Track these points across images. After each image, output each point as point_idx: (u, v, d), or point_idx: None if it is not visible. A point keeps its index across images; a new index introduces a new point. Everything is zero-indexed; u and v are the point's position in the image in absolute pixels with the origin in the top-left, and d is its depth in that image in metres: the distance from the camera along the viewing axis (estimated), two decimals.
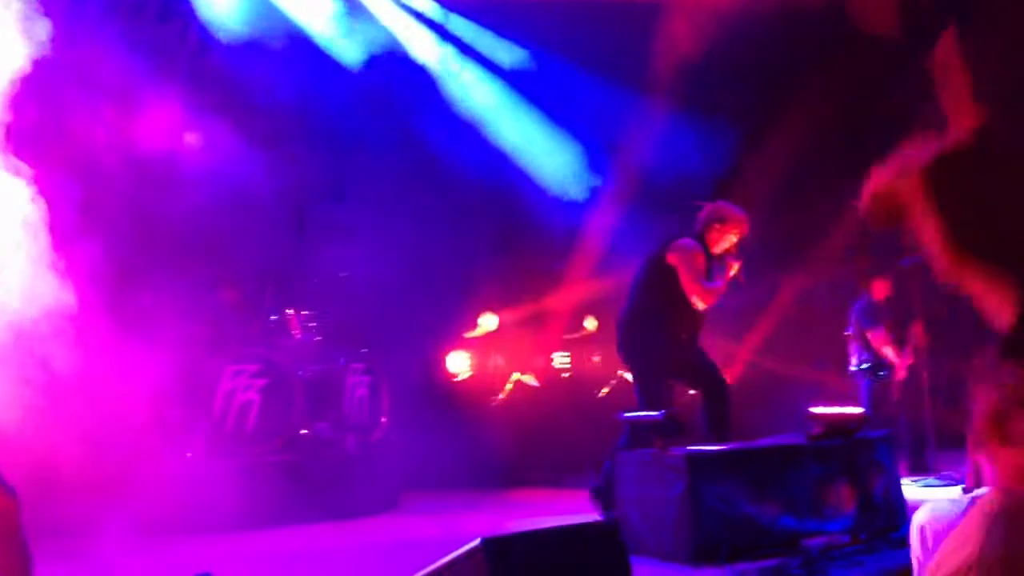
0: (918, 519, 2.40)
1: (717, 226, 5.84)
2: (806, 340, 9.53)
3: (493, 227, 9.14)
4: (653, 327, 5.78)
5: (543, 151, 9.35)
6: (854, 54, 7.48)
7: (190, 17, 7.66)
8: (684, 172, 8.74)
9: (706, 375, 5.87)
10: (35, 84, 5.69)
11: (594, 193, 9.21)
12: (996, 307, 1.44)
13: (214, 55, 7.66)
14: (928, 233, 1.37)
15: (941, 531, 2.22)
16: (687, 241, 5.81)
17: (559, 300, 9.48)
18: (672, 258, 5.75)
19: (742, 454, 5.13)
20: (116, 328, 6.66)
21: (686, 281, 5.71)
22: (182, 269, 7.49)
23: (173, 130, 7.41)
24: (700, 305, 5.76)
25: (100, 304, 6.57)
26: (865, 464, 5.23)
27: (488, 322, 9.47)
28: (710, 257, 5.86)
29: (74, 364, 6.37)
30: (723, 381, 5.92)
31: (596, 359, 9.91)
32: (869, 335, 7.77)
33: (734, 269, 5.87)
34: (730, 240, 5.87)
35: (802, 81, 8.20)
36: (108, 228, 6.62)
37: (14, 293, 5.55)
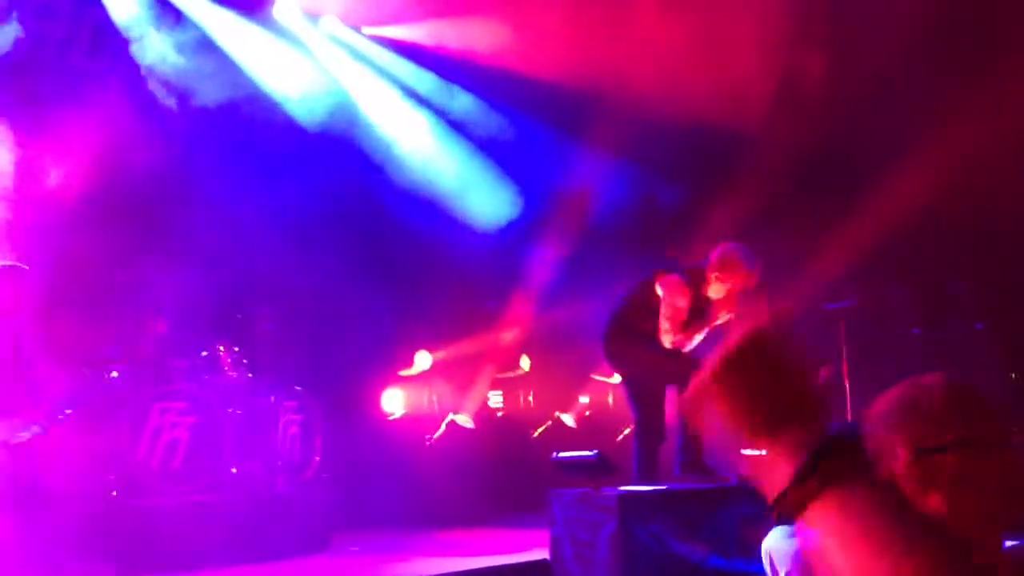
0: (766, 545, 2.54)
1: (718, 274, 5.64)
2: None
3: (429, 265, 9.15)
4: (628, 333, 5.79)
5: (482, 190, 9.41)
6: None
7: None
8: (627, 211, 8.89)
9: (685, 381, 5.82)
10: None
11: (531, 232, 9.27)
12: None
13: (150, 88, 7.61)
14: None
15: (783, 558, 2.42)
16: (674, 278, 5.68)
17: (494, 339, 9.51)
18: (658, 287, 5.70)
19: (673, 494, 5.19)
20: (42, 358, 6.52)
21: (661, 316, 5.65)
22: (110, 301, 7.37)
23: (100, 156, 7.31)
24: (665, 342, 5.68)
25: (26, 333, 6.44)
26: None
27: (423, 360, 9.44)
28: (701, 297, 5.70)
29: None
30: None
31: (530, 399, 9.94)
32: None
33: (722, 318, 5.66)
34: (725, 289, 5.66)
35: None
36: (37, 256, 6.50)
37: None
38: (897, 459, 1.67)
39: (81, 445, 6.46)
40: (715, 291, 5.69)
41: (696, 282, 5.72)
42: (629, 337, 5.78)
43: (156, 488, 6.61)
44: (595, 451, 5.23)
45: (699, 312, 5.74)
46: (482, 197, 9.37)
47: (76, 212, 7.13)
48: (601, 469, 5.13)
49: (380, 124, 9.24)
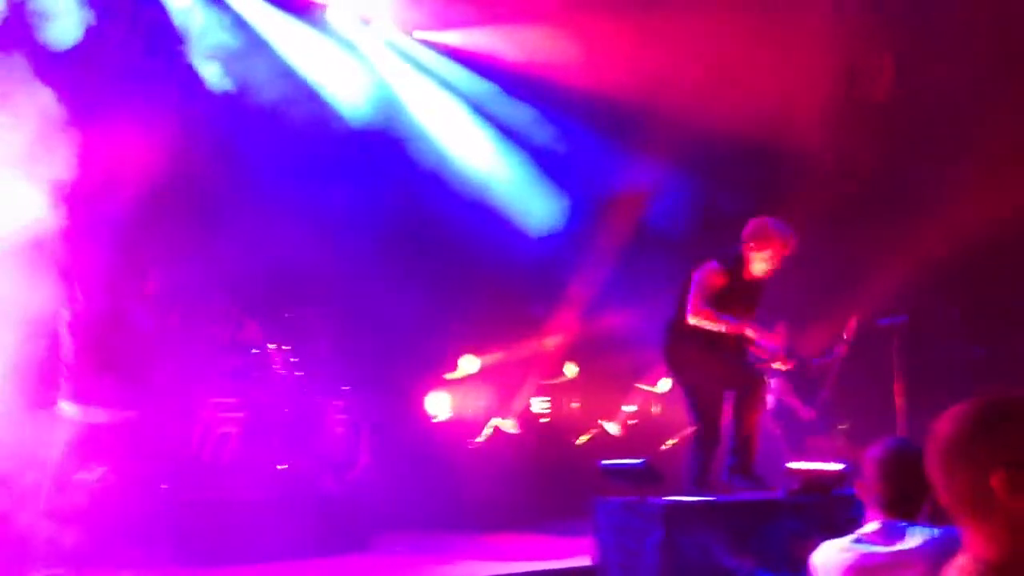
0: (816, 559, 2.53)
1: (752, 245, 5.58)
2: None
3: (477, 270, 9.17)
4: (685, 338, 5.68)
5: (532, 196, 9.41)
6: None
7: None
8: (680, 218, 8.84)
9: (741, 384, 5.69)
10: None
11: (581, 238, 9.25)
12: None
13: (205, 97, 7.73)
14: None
15: (833, 572, 2.62)
16: (711, 263, 5.60)
17: (540, 345, 9.50)
18: (694, 274, 5.65)
19: (719, 506, 5.15)
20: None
21: (689, 297, 5.55)
22: (168, 301, 7.48)
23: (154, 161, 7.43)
24: (691, 321, 5.56)
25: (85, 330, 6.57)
26: (843, 521, 5.23)
27: (469, 364, 9.46)
28: (742, 280, 5.62)
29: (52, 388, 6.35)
30: (756, 399, 5.70)
31: (575, 405, 9.91)
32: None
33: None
34: (769, 260, 5.59)
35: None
36: (94, 252, 6.62)
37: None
38: (989, 473, 1.65)
39: (136, 436, 6.59)
40: (757, 267, 5.62)
41: (736, 267, 5.64)
42: (687, 342, 5.71)
43: (205, 482, 6.71)
44: (642, 459, 5.21)
45: (747, 297, 5.68)
46: (532, 202, 9.38)
47: (131, 209, 7.25)
48: (647, 478, 5.11)
49: (431, 128, 9.28)
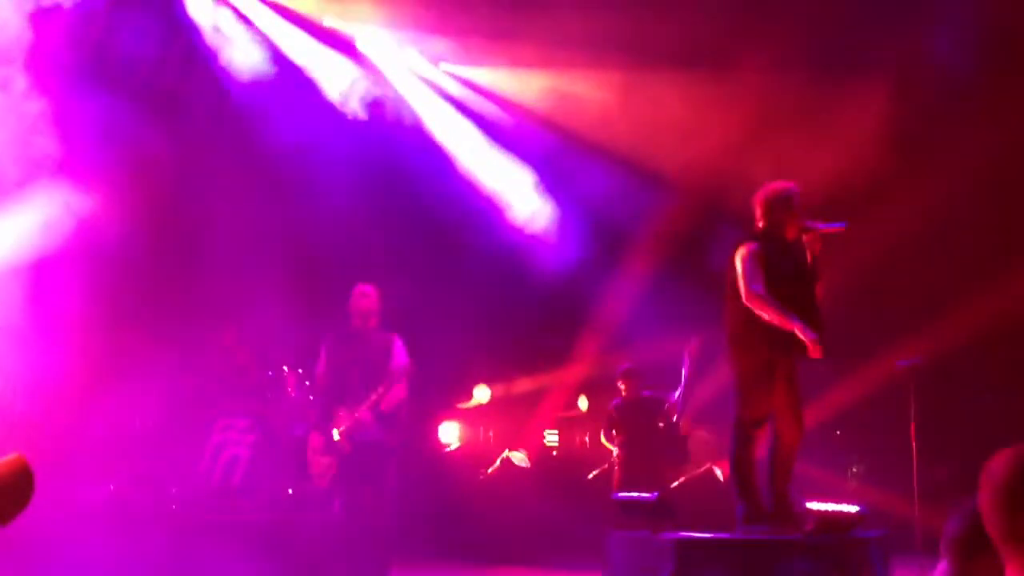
0: None
1: (775, 207, 5.28)
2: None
3: (494, 298, 9.16)
4: (737, 335, 5.34)
5: (555, 226, 9.40)
6: None
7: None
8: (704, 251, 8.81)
9: (784, 402, 5.30)
10: None
11: (604, 270, 9.20)
12: None
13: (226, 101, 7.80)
14: None
15: None
16: (743, 246, 5.27)
17: (555, 377, 9.47)
18: (733, 263, 5.30)
19: (732, 543, 5.08)
20: (108, 371, 6.68)
21: (740, 286, 5.21)
22: (181, 319, 7.52)
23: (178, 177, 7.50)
24: (747, 304, 5.19)
25: (95, 345, 6.61)
26: (858, 564, 5.17)
27: (481, 394, 9.43)
28: (784, 247, 5.29)
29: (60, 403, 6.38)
30: (798, 417, 5.34)
31: (587, 439, 9.86)
32: None
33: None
34: (796, 214, 5.28)
35: None
36: (112, 269, 6.68)
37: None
38: None
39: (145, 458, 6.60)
40: (792, 224, 5.29)
41: (767, 243, 5.29)
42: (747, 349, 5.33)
43: (215, 504, 6.68)
44: (654, 493, 5.16)
45: (796, 273, 5.31)
46: (554, 233, 9.37)
47: (153, 229, 7.30)
48: (660, 512, 5.06)
49: (455, 156, 9.32)
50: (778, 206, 5.31)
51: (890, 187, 8.12)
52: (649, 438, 7.65)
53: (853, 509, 5.30)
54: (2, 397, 6.15)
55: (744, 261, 5.22)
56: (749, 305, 5.15)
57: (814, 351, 5.07)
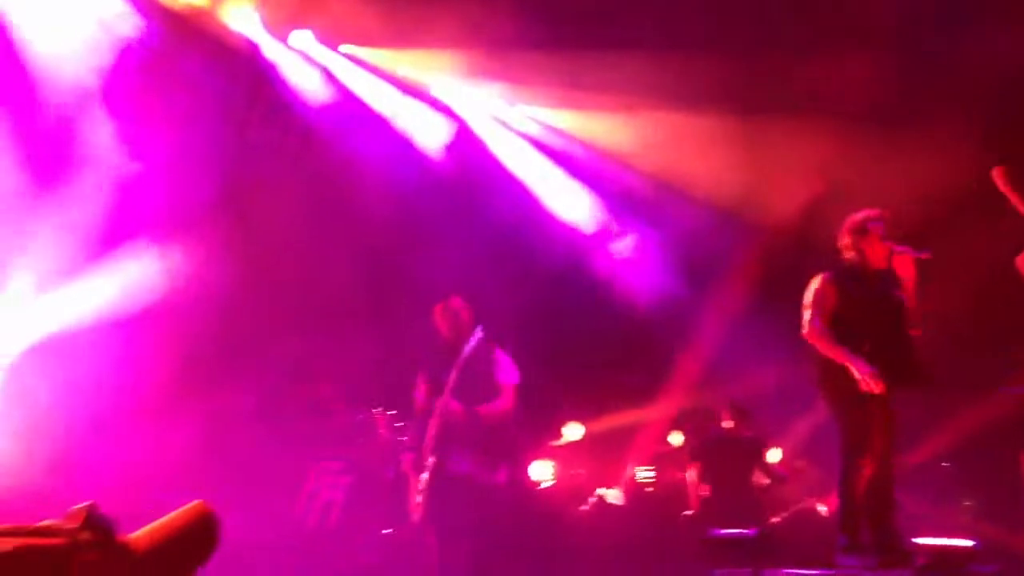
0: None
1: (857, 235, 5.23)
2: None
3: (587, 332, 9.10)
4: (827, 367, 5.21)
5: (643, 258, 9.33)
6: None
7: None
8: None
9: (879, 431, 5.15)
10: None
11: (699, 300, 9.06)
12: None
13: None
14: None
15: None
16: (816, 277, 5.27)
17: (649, 413, 9.34)
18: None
19: None
20: (201, 418, 6.84)
21: (804, 318, 5.19)
22: (272, 364, 7.65)
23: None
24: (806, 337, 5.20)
25: (189, 394, 6.77)
26: None
27: (573, 432, 9.36)
28: (870, 276, 5.22)
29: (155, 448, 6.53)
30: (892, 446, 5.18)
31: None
32: None
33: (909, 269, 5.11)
34: (882, 241, 5.18)
35: None
36: (202, 319, 6.85)
37: None
38: None
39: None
40: (879, 251, 5.20)
41: (850, 271, 5.25)
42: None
43: (312, 548, 6.74)
44: (755, 529, 5.02)
45: (883, 299, 5.23)
46: (644, 267, 9.29)
47: (249, 276, 7.45)
48: (761, 549, 4.91)
49: (538, 196, 9.36)
50: (860, 234, 5.27)
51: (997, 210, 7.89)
52: (744, 478, 7.50)
53: (967, 544, 5.07)
54: (98, 449, 6.32)
55: (812, 293, 5.24)
56: (807, 339, 5.17)
57: (866, 385, 4.95)
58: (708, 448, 7.73)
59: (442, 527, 5.64)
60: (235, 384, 6.97)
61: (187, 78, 6.96)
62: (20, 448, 5.94)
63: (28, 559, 0.96)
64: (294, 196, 7.48)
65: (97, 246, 6.50)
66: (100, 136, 6.48)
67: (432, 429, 5.56)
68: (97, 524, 1.02)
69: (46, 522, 1.01)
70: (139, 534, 1.07)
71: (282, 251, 7.49)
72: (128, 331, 6.41)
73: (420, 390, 5.97)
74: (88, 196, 6.35)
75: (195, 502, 1.10)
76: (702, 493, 7.52)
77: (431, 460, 5.58)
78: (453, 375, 5.52)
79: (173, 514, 1.10)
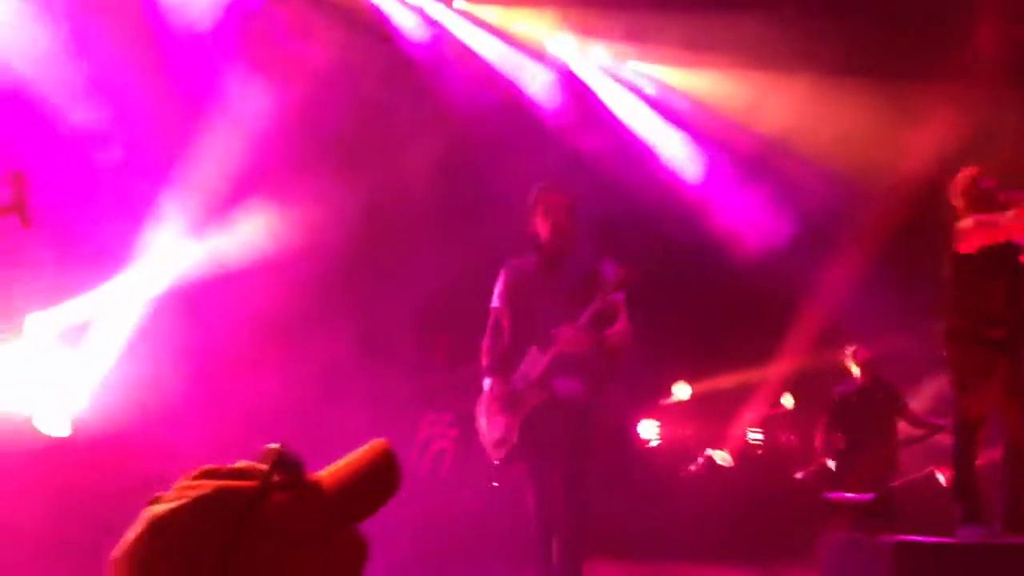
0: None
1: (967, 194, 5.17)
2: None
3: (698, 290, 8.96)
4: (953, 329, 5.15)
5: (757, 215, 9.12)
6: None
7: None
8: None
9: (1006, 398, 5.01)
10: None
11: (816, 254, 8.81)
12: None
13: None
14: None
15: None
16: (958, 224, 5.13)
17: (760, 373, 9.18)
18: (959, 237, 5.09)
19: (963, 550, 4.74)
20: (317, 367, 7.06)
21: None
22: (389, 320, 7.79)
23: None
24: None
25: (304, 343, 6.98)
26: None
27: (682, 391, 9.30)
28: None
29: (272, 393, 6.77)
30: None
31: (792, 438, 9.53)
32: None
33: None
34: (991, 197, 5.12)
35: None
36: (323, 272, 7.01)
37: None
38: None
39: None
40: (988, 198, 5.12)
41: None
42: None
43: (425, 496, 6.91)
44: (872, 493, 4.90)
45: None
46: (758, 224, 9.07)
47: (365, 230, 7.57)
48: (878, 513, 4.80)
49: (653, 152, 9.26)
50: (970, 193, 5.19)
51: None
52: (882, 431, 7.19)
53: None
54: (223, 399, 6.57)
55: (961, 228, 5.10)
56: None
57: None
58: (844, 403, 7.48)
59: (543, 456, 4.72)
60: (350, 332, 7.12)
61: (313, 35, 7.08)
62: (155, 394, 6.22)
63: (225, 500, 1.01)
64: (415, 155, 7.56)
65: (225, 198, 6.71)
66: (231, 89, 6.66)
67: (546, 356, 4.64)
68: (288, 464, 1.06)
69: (240, 463, 1.06)
70: (326, 473, 1.12)
71: (407, 211, 7.61)
72: (249, 280, 6.62)
73: (500, 300, 4.93)
74: (218, 149, 6.55)
75: (376, 440, 1.14)
76: (837, 447, 7.22)
77: (534, 386, 4.70)
78: (591, 309, 4.57)
79: (357, 452, 1.14)
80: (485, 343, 4.98)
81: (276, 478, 1.03)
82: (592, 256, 4.86)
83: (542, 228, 4.81)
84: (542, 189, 4.86)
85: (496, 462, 4.92)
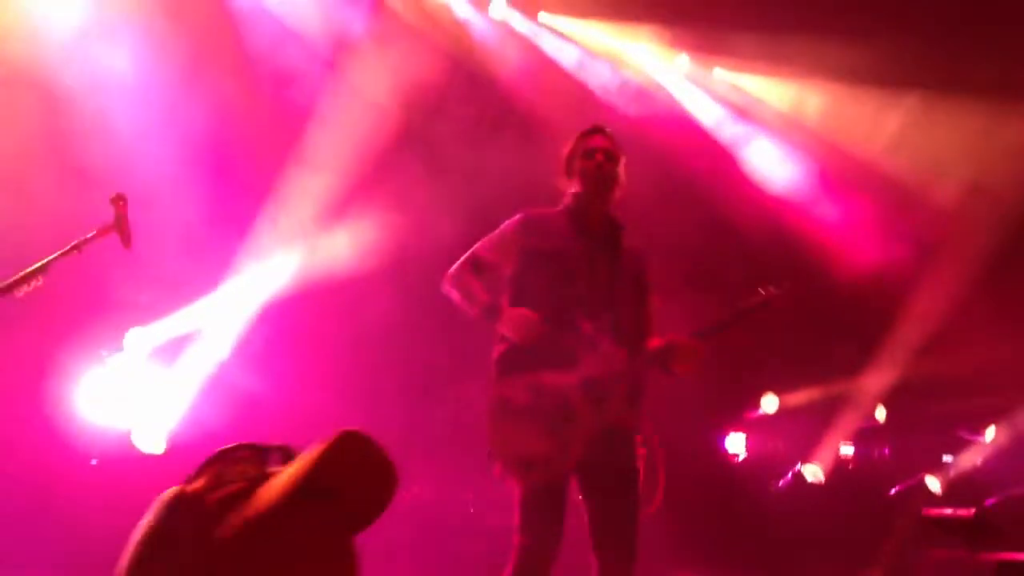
0: None
1: None
2: None
3: (793, 301, 8.81)
4: None
5: (848, 226, 8.97)
6: None
7: None
8: None
9: None
10: None
11: (908, 271, 8.63)
12: None
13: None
14: None
15: None
16: None
17: (852, 386, 8.97)
18: None
19: None
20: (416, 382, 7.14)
21: None
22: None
23: None
24: None
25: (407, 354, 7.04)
26: None
27: (770, 404, 9.14)
28: None
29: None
30: None
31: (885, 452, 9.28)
32: None
33: None
34: None
35: None
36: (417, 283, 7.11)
37: None
38: None
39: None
40: None
41: None
42: None
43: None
44: (973, 509, 4.75)
45: None
46: (849, 235, 8.92)
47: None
48: (980, 530, 4.64)
49: (738, 162, 9.17)
50: None
51: None
52: None
53: None
54: (319, 405, 6.70)
55: None
56: None
57: None
58: None
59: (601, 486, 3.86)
60: (446, 341, 7.19)
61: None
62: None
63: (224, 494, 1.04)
64: (502, 167, 7.64)
65: (333, 206, 6.87)
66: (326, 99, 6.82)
67: (589, 369, 3.78)
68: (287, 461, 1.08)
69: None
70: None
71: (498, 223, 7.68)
72: (345, 294, 6.76)
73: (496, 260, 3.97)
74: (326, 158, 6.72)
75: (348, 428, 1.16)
76: None
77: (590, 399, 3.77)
78: (719, 320, 3.86)
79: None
80: (466, 281, 3.94)
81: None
82: (640, 249, 4.06)
83: (575, 181, 3.93)
84: (580, 134, 3.99)
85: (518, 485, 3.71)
